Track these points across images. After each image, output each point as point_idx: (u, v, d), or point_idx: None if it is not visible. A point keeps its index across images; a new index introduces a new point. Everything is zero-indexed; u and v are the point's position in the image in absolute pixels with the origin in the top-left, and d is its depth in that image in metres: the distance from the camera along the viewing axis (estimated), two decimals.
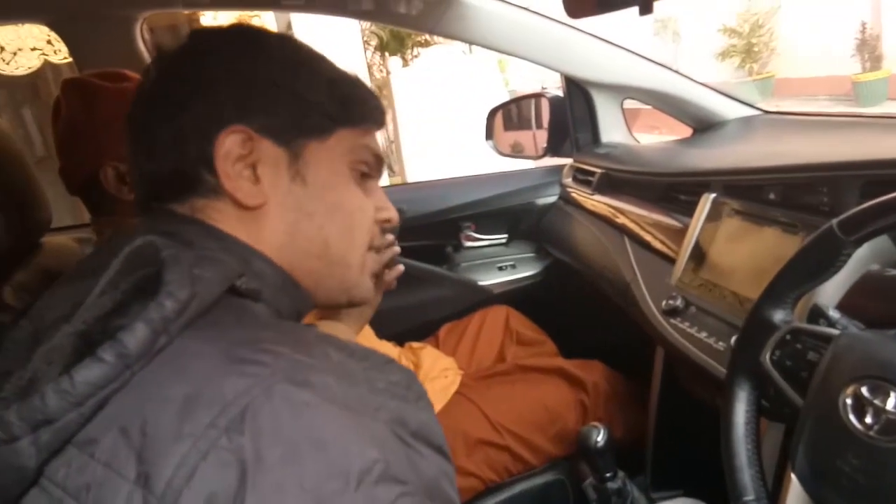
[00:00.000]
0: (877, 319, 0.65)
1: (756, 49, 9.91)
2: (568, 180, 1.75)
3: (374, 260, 0.66)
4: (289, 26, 5.89)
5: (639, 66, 1.55)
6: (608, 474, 1.08)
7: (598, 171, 1.57)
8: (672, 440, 1.22)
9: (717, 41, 10.21)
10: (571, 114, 1.72)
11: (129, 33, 1.40)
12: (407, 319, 1.66)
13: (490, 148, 1.92)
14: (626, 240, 1.33)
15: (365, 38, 7.14)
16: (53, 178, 1.03)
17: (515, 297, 1.75)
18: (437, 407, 1.28)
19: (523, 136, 2.02)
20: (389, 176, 6.77)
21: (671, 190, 1.26)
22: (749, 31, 9.85)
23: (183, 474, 0.34)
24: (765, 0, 9.71)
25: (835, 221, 0.61)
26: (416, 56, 7.58)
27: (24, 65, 3.59)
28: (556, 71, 1.62)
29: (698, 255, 1.04)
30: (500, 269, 1.82)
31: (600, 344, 1.53)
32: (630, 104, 1.69)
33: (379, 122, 0.64)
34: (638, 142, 1.74)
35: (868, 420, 0.53)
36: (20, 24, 3.27)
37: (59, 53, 3.59)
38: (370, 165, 0.62)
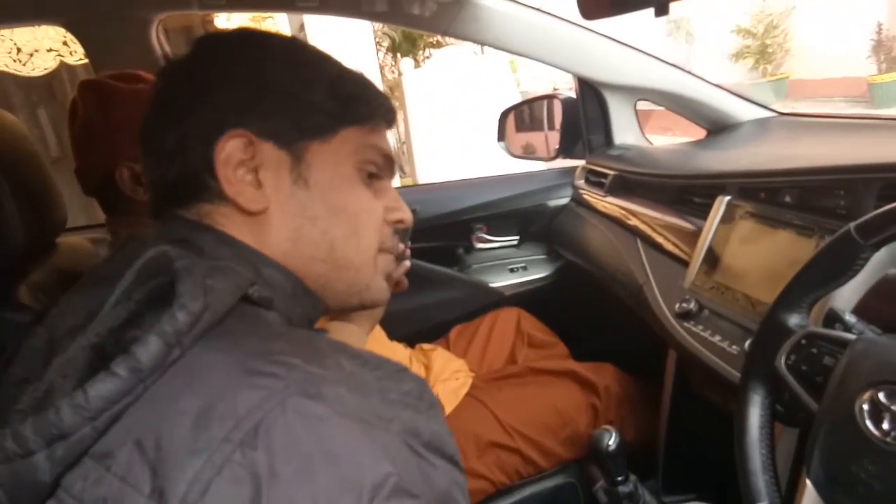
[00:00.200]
0: (893, 324, 0.64)
1: (770, 50, 9.84)
2: (580, 182, 1.74)
3: (387, 261, 0.65)
4: (301, 28, 5.92)
5: (652, 68, 1.54)
6: (619, 478, 1.07)
7: (611, 172, 1.56)
8: (684, 444, 1.21)
9: (730, 42, 10.15)
10: (584, 115, 1.72)
11: (145, 34, 1.41)
12: (418, 321, 1.66)
13: (502, 149, 1.92)
14: (639, 242, 1.32)
15: (377, 40, 7.16)
16: (68, 179, 1.04)
17: (527, 299, 1.74)
18: (448, 409, 1.28)
19: (535, 138, 2.02)
20: (400, 177, 6.78)
21: (685, 192, 1.26)
22: (763, 31, 9.78)
23: (197, 490, 0.34)
24: (779, 0, 9.63)
25: (852, 225, 0.60)
26: (427, 57, 7.60)
27: (41, 66, 3.62)
28: (570, 72, 1.61)
29: (712, 258, 1.04)
30: (512, 270, 1.82)
31: (612, 347, 1.52)
32: (642, 106, 1.68)
33: (388, 120, 0.63)
34: (651, 143, 1.73)
35: (885, 426, 0.52)
36: (37, 26, 3.31)
37: (75, 55, 3.62)
38: (379, 165, 0.62)
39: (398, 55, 7.54)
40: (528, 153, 2.01)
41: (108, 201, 1.03)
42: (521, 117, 1.96)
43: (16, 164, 0.88)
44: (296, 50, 0.60)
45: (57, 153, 3.87)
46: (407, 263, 0.99)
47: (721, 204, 1.05)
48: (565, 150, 1.79)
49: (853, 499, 0.54)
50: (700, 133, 1.63)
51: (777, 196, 0.97)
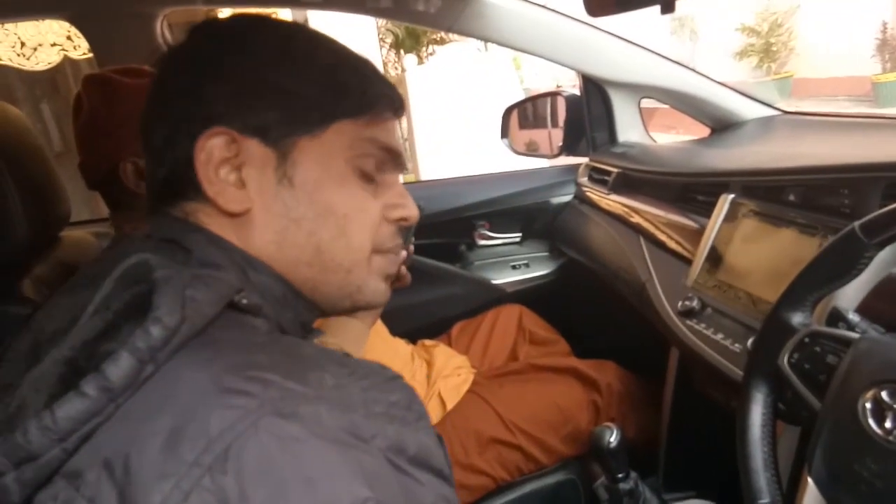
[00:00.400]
0: None
1: (774, 48, 9.82)
2: (584, 179, 1.74)
3: (386, 262, 0.60)
4: (305, 23, 5.90)
5: (657, 65, 1.54)
6: (620, 475, 1.07)
7: (615, 170, 1.56)
8: (685, 441, 1.22)
9: (734, 40, 10.12)
10: (588, 112, 1.72)
11: (150, 29, 1.41)
12: (420, 317, 1.67)
13: (505, 146, 1.91)
14: (642, 240, 1.32)
15: (380, 36, 7.15)
16: (72, 174, 1.05)
17: (529, 296, 1.75)
18: (450, 405, 1.28)
19: (538, 135, 2.02)
20: (403, 174, 6.76)
21: (688, 190, 1.25)
22: (768, 30, 9.75)
23: None
24: None
25: (857, 224, 0.60)
26: (431, 54, 7.58)
27: (44, 60, 3.62)
28: (574, 69, 1.61)
29: (715, 256, 1.04)
30: (514, 267, 1.82)
31: (614, 344, 1.52)
32: (645, 104, 1.68)
33: (393, 109, 0.58)
34: (655, 141, 1.73)
35: (888, 425, 0.52)
36: (41, 20, 3.31)
37: (79, 49, 3.62)
38: (379, 160, 0.57)
39: (401, 52, 7.53)
40: (531, 150, 2.01)
41: (111, 196, 1.03)
42: (525, 114, 1.95)
43: (20, 158, 0.88)
44: (290, 37, 0.55)
45: (60, 148, 3.87)
46: (404, 254, 0.99)
47: (725, 202, 1.05)
48: (569, 148, 1.79)
49: (855, 497, 0.54)
50: (704, 131, 1.63)
51: (781, 194, 0.97)
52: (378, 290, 0.60)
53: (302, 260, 0.54)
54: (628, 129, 1.70)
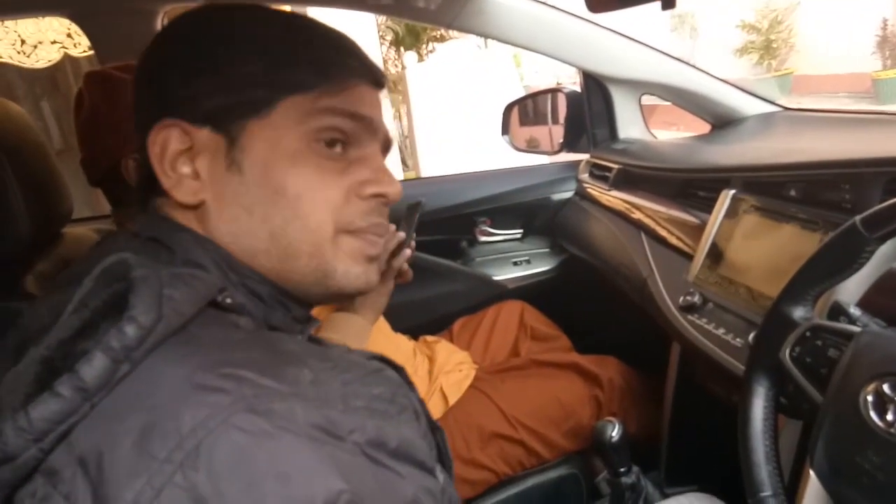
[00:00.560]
0: None
1: (775, 45, 9.81)
2: (584, 176, 1.74)
3: (360, 243, 0.55)
4: None
5: (657, 62, 1.54)
6: (622, 469, 1.07)
7: (616, 166, 1.56)
8: (686, 436, 1.22)
9: (734, 37, 10.11)
10: (589, 109, 1.72)
11: (151, 26, 1.41)
12: (421, 313, 1.67)
13: (506, 143, 1.92)
14: (643, 236, 1.32)
15: (380, 33, 7.14)
16: (72, 171, 1.05)
17: (530, 292, 1.75)
18: (452, 400, 1.28)
19: (539, 132, 2.02)
20: (404, 171, 6.77)
21: (689, 186, 1.26)
22: (768, 27, 9.74)
23: None
24: None
25: (858, 218, 0.60)
26: (431, 51, 7.57)
27: (45, 58, 3.62)
28: (575, 66, 1.61)
29: (716, 252, 1.04)
30: (515, 264, 1.82)
31: (615, 340, 1.52)
32: (646, 101, 1.68)
33: (362, 77, 0.55)
34: (655, 138, 1.73)
35: (889, 417, 0.53)
36: (42, 17, 3.31)
37: (79, 47, 3.62)
38: (346, 130, 0.53)
39: (402, 49, 7.52)
40: (531, 147, 2.01)
41: (113, 193, 1.03)
42: (525, 111, 1.95)
43: (22, 155, 0.88)
44: (236, 19, 0.54)
45: (60, 145, 3.87)
46: (408, 252, 0.99)
47: (726, 198, 1.05)
48: (569, 144, 1.79)
49: (857, 490, 0.54)
50: (704, 128, 1.63)
51: (782, 190, 0.97)
52: (351, 273, 0.55)
53: (259, 248, 0.52)
54: (629, 125, 1.70)
